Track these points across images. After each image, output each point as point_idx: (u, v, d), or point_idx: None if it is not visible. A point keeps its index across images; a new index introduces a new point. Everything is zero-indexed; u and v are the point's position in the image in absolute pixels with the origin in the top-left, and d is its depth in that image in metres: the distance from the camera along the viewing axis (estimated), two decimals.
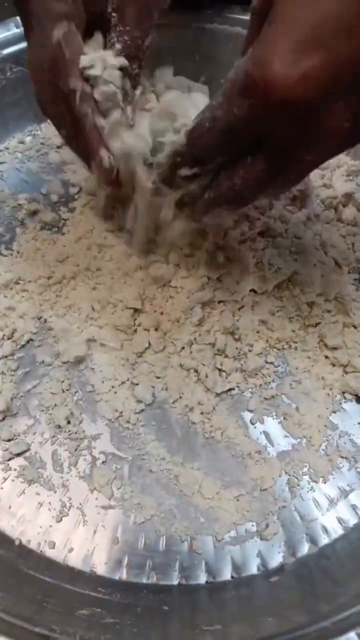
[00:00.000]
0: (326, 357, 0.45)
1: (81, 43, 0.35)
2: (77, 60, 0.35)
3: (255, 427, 0.43)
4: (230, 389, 0.44)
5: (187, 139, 0.34)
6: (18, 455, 0.41)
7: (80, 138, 0.37)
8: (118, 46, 0.38)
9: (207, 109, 0.33)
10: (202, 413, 0.43)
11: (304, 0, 0.27)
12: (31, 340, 0.45)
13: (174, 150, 0.36)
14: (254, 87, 0.28)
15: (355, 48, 0.27)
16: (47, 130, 0.56)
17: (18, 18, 0.54)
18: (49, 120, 0.40)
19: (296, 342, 0.46)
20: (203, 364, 0.44)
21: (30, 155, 0.54)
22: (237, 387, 0.44)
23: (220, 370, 0.44)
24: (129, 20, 0.38)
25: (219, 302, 0.46)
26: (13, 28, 0.54)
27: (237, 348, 0.45)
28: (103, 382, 0.44)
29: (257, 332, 0.46)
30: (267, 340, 0.46)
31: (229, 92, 0.30)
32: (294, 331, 0.46)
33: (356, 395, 0.45)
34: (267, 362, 0.45)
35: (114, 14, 0.37)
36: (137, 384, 0.43)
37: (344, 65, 0.27)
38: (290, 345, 0.46)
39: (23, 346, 0.45)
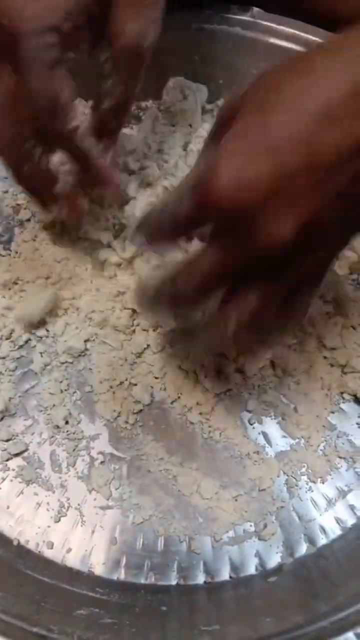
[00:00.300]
0: (325, 357, 0.45)
1: (72, 85, 0.36)
2: (70, 102, 0.36)
3: (253, 428, 0.43)
4: (229, 390, 0.44)
5: (142, 217, 0.36)
6: (16, 455, 0.41)
7: (86, 171, 0.40)
8: (112, 100, 0.38)
9: (166, 194, 0.35)
10: (200, 413, 0.43)
11: (262, 112, 0.27)
12: (29, 340, 0.45)
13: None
14: (198, 188, 0.29)
15: (302, 162, 0.26)
16: None
17: None
18: None
19: (295, 343, 0.46)
20: (202, 365, 0.44)
21: None
22: (236, 387, 0.44)
23: (219, 370, 0.44)
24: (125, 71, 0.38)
25: None
26: None
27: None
28: (101, 382, 0.44)
29: None
30: None
31: (180, 185, 0.31)
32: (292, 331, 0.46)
33: (354, 396, 0.45)
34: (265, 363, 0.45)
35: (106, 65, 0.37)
36: (136, 384, 0.43)
37: (291, 177, 0.26)
38: (289, 346, 0.46)
39: (21, 346, 0.45)
